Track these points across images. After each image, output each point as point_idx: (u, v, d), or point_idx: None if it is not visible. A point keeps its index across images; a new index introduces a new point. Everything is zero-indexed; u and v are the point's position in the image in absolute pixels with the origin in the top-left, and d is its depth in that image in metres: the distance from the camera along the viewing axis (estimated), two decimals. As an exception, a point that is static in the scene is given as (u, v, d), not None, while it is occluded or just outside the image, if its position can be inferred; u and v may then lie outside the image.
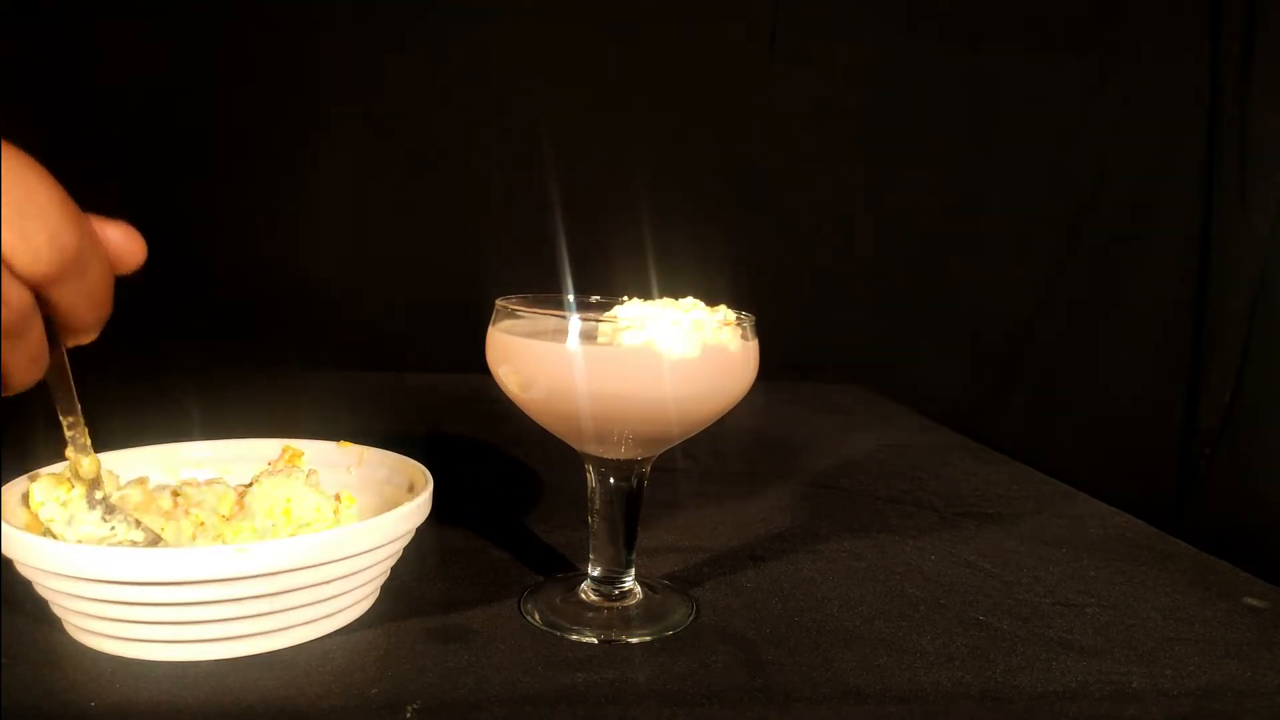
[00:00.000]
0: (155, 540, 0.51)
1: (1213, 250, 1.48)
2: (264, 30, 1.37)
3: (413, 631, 0.52)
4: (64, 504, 0.50)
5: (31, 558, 0.45)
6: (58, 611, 0.48)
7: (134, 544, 0.50)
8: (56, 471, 0.52)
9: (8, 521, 0.46)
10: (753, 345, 0.54)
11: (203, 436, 0.63)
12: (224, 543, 0.53)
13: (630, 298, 0.55)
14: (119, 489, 0.53)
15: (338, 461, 0.62)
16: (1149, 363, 1.53)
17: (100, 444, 0.51)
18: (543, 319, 0.52)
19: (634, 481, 0.56)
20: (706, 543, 0.70)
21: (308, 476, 0.58)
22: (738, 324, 0.53)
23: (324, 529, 0.54)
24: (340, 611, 0.52)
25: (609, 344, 0.50)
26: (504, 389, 0.55)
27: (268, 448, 0.62)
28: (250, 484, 0.57)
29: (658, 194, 1.39)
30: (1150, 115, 1.51)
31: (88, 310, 0.37)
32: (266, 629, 0.48)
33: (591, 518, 0.58)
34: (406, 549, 0.54)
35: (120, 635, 0.47)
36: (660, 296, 0.54)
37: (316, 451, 0.63)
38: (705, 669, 0.50)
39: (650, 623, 0.55)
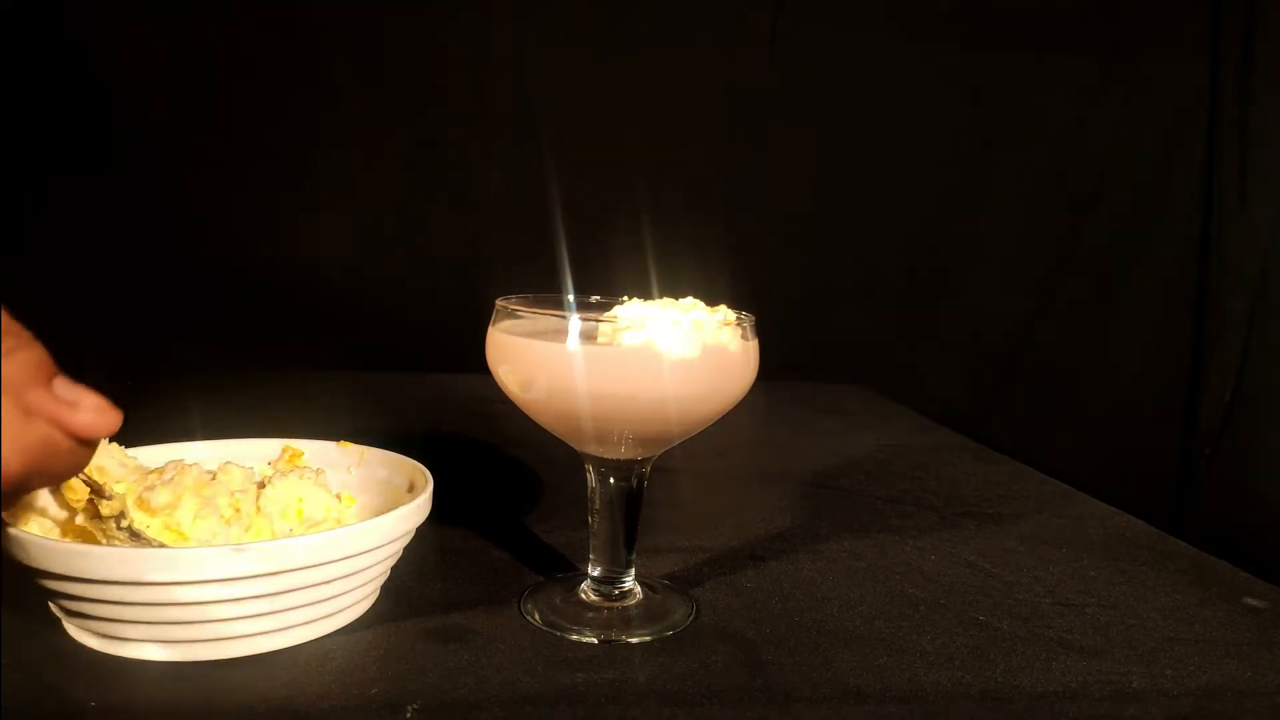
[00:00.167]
0: None
1: (1213, 250, 1.48)
2: (264, 30, 1.37)
3: (413, 631, 0.52)
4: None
5: (32, 558, 0.45)
6: (58, 611, 0.48)
7: None
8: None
9: (8, 521, 0.46)
10: (753, 345, 0.54)
11: (203, 436, 0.63)
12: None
13: (630, 298, 0.55)
14: (146, 486, 0.52)
15: (338, 461, 0.62)
16: (1149, 363, 1.53)
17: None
18: (543, 319, 0.52)
19: (634, 481, 0.56)
20: (706, 543, 0.70)
21: (317, 475, 0.58)
22: (738, 324, 0.53)
23: (330, 529, 0.53)
24: (340, 611, 0.52)
25: (609, 344, 0.50)
26: (504, 389, 0.55)
27: (268, 448, 0.62)
28: (261, 484, 0.57)
29: (658, 194, 1.39)
30: (1150, 115, 1.51)
31: (52, 484, 0.37)
32: (266, 629, 0.48)
33: (591, 518, 0.58)
34: (406, 549, 0.54)
35: (120, 635, 0.47)
36: (660, 296, 0.54)
37: (316, 451, 0.63)
38: (705, 669, 0.50)
39: (650, 623, 0.55)
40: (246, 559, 0.45)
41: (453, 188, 1.46)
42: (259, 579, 0.46)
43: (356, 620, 0.53)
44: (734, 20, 1.49)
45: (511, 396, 0.55)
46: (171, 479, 0.52)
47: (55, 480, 0.37)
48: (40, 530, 0.52)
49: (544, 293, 0.57)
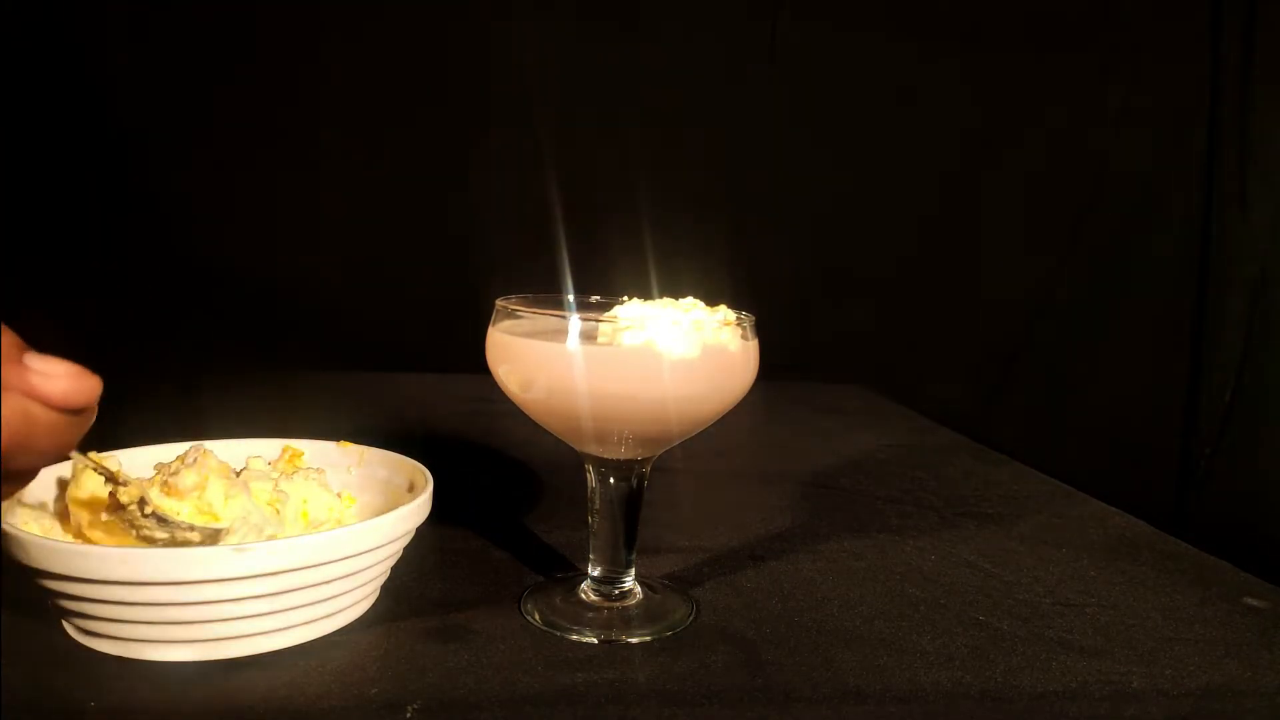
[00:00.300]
0: (214, 534, 0.50)
1: (1213, 250, 1.48)
2: (263, 30, 1.37)
3: (413, 631, 0.52)
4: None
5: (32, 558, 0.45)
6: (58, 612, 0.48)
7: (194, 544, 0.49)
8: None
9: (9, 521, 0.46)
10: (753, 345, 0.54)
11: (203, 436, 0.63)
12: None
13: (630, 298, 0.55)
14: (171, 474, 0.52)
15: (338, 461, 0.62)
16: (1149, 363, 1.53)
17: (100, 444, 0.51)
18: (543, 319, 0.52)
19: (634, 481, 0.56)
20: (706, 543, 0.70)
21: (319, 476, 0.58)
22: (738, 324, 0.53)
23: (330, 529, 0.53)
24: (340, 611, 0.52)
25: (609, 344, 0.50)
26: (504, 389, 0.55)
27: (268, 448, 0.62)
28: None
29: (658, 194, 1.39)
30: (1150, 115, 1.51)
31: (42, 461, 0.37)
32: (266, 629, 0.48)
33: (591, 518, 0.58)
34: (406, 549, 0.54)
35: (120, 635, 0.47)
36: (660, 296, 0.54)
37: (316, 451, 0.63)
38: (705, 669, 0.50)
39: (650, 623, 0.55)
40: (246, 559, 0.45)
41: (453, 188, 1.46)
42: (259, 579, 0.46)
43: (356, 620, 0.53)
44: (734, 20, 1.49)
45: (511, 396, 0.55)
46: (195, 461, 0.52)
47: (44, 457, 0.37)
48: (68, 535, 0.52)
49: (544, 293, 0.57)
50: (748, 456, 1.00)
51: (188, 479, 0.51)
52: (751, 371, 0.55)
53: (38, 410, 0.35)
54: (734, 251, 1.41)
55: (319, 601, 0.49)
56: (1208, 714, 0.49)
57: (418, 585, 0.58)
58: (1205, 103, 1.48)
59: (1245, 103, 1.43)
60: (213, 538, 0.49)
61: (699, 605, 0.58)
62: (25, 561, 0.45)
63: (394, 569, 0.55)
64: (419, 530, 0.54)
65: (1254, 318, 1.42)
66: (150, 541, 0.48)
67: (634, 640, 0.53)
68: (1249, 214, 1.43)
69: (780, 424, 1.17)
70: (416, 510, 0.53)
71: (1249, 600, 0.64)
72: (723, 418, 0.56)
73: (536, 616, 0.55)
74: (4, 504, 0.49)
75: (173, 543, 0.48)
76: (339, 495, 0.58)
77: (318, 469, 0.59)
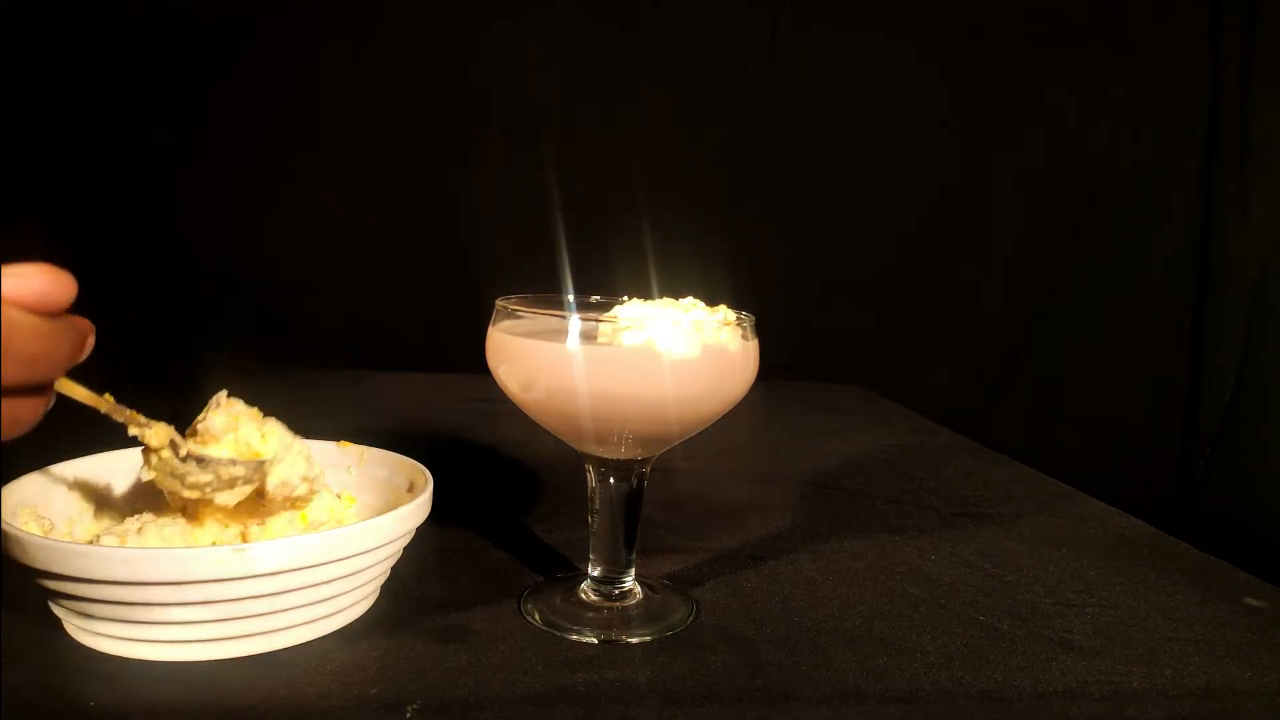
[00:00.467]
0: (259, 466, 0.49)
1: (1213, 250, 1.48)
2: (263, 29, 1.37)
3: (413, 631, 0.52)
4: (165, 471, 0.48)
5: (32, 558, 0.45)
6: (58, 611, 0.48)
7: (242, 479, 0.48)
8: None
9: (9, 521, 0.46)
10: (753, 345, 0.54)
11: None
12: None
13: (630, 298, 0.55)
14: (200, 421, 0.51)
15: (338, 461, 0.62)
16: (1149, 363, 1.53)
17: (100, 444, 0.51)
18: (543, 319, 0.52)
19: (634, 481, 0.56)
20: (706, 543, 0.70)
21: (319, 476, 0.58)
22: (738, 324, 0.53)
23: (330, 529, 0.53)
24: (340, 611, 0.52)
25: (609, 344, 0.50)
26: (504, 389, 0.55)
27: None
28: None
29: (658, 194, 1.39)
30: (1150, 115, 1.51)
31: (38, 371, 0.36)
32: (266, 629, 0.48)
33: (591, 518, 0.58)
34: (406, 549, 0.54)
35: (120, 635, 0.47)
36: (660, 296, 0.54)
37: (316, 451, 0.62)
38: (705, 669, 0.50)
39: (650, 623, 0.55)
40: (246, 559, 0.45)
41: (453, 188, 1.46)
42: (259, 579, 0.46)
43: (356, 620, 0.53)
44: (734, 20, 1.49)
45: (511, 396, 0.55)
46: (220, 405, 0.52)
47: (36, 366, 0.36)
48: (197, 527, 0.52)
49: (544, 293, 0.57)
50: (748, 456, 1.00)
51: (217, 421, 0.50)
52: (751, 371, 0.55)
53: (15, 314, 0.34)
54: (734, 251, 1.41)
55: (319, 601, 0.49)
56: (1208, 714, 0.49)
57: (418, 585, 0.58)
58: (1205, 103, 1.48)
59: (1245, 103, 1.43)
60: (258, 470, 0.49)
61: (699, 605, 0.58)
62: (25, 561, 0.45)
63: (394, 569, 0.55)
64: (419, 530, 0.54)
65: (1254, 318, 1.42)
66: (199, 489, 0.48)
67: (634, 640, 0.53)
68: (1249, 214, 1.43)
69: (780, 424, 1.17)
70: (416, 510, 0.53)
71: (1249, 600, 0.64)
72: (723, 418, 0.56)
73: (536, 616, 0.55)
74: (5, 505, 0.49)
75: (219, 484, 0.48)
76: (339, 495, 0.58)
77: (319, 469, 0.59)
